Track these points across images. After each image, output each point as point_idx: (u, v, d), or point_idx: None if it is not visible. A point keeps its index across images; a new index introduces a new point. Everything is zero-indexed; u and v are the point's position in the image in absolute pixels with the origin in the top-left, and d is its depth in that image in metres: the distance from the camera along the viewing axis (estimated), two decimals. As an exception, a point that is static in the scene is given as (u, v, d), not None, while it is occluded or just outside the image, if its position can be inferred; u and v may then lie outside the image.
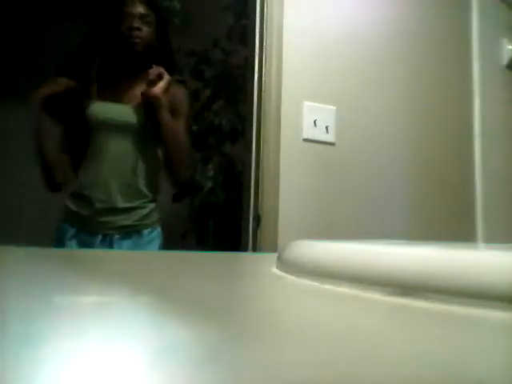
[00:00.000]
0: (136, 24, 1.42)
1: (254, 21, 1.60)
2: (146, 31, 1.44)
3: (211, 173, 2.51)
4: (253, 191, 1.53)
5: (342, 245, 0.33)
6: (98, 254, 0.60)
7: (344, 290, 0.26)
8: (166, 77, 1.42)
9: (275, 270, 0.37)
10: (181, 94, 1.53)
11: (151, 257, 0.59)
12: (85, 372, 0.11)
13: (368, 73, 1.71)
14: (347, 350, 0.14)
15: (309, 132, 1.58)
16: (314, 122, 1.59)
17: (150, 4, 1.48)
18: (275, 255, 0.41)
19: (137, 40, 1.43)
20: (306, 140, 1.58)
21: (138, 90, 1.44)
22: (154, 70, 1.40)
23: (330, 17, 1.67)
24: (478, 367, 0.13)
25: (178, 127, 1.44)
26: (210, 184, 2.50)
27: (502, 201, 1.86)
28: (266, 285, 0.33)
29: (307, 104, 1.59)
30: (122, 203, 1.42)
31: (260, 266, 0.49)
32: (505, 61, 1.96)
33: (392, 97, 1.75)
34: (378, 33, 1.74)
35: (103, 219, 1.42)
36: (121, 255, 0.63)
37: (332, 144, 1.62)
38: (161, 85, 1.40)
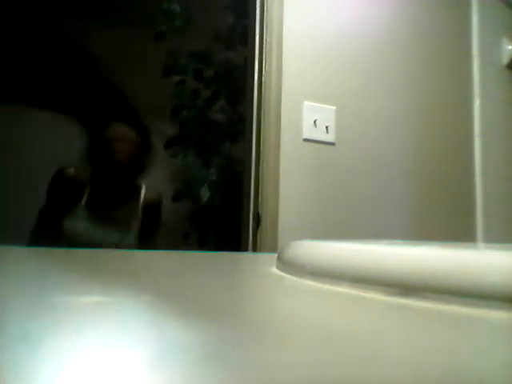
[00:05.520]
0: (118, 147, 1.48)
1: (254, 21, 1.60)
2: (128, 150, 1.50)
3: (211, 173, 2.51)
4: (253, 191, 1.53)
5: (342, 245, 0.33)
6: (98, 253, 0.60)
7: (344, 290, 0.26)
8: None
9: (275, 270, 0.37)
10: (156, 202, 1.63)
11: (152, 256, 0.59)
12: (85, 372, 0.11)
13: (368, 73, 1.71)
14: (347, 350, 0.14)
15: (309, 132, 1.58)
16: (314, 122, 1.59)
17: (129, 122, 1.53)
18: (275, 255, 0.41)
19: (121, 160, 1.49)
20: (305, 140, 1.58)
21: (123, 213, 1.52)
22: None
23: (330, 17, 1.67)
24: (478, 367, 0.13)
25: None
26: (209, 184, 2.50)
27: (502, 201, 1.86)
28: (265, 285, 0.33)
29: (307, 104, 1.59)
30: None
31: (260, 266, 0.49)
32: (505, 61, 1.96)
33: (392, 97, 1.75)
34: (378, 33, 1.74)
35: None
36: (121, 255, 0.63)
37: (332, 144, 1.62)
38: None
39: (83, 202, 1.47)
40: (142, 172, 1.58)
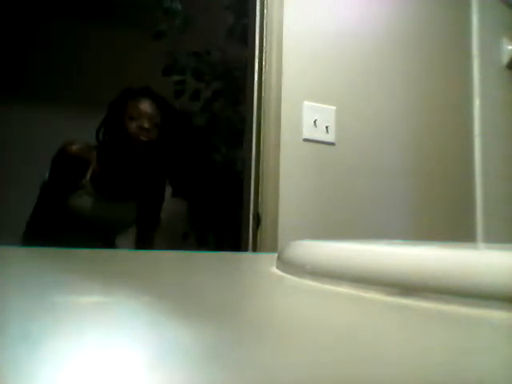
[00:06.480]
0: (146, 125, 1.41)
1: (254, 21, 1.60)
2: (153, 132, 1.43)
3: (211, 173, 2.51)
4: (253, 191, 1.53)
5: (342, 245, 0.33)
6: (98, 253, 0.60)
7: (344, 289, 0.26)
8: None
9: (275, 270, 0.37)
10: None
11: (152, 257, 0.59)
12: (85, 372, 0.11)
13: (368, 73, 1.71)
14: (347, 349, 0.14)
15: (309, 132, 1.58)
16: (314, 122, 1.59)
17: (160, 105, 1.47)
18: (275, 255, 0.41)
19: (143, 139, 1.41)
20: (305, 140, 1.58)
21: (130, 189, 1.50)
22: None
23: (330, 17, 1.67)
24: (478, 367, 0.13)
25: None
26: (209, 184, 2.50)
27: (502, 201, 1.86)
28: (265, 285, 0.33)
29: (307, 104, 1.59)
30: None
31: (260, 266, 0.49)
32: (505, 61, 1.96)
33: (392, 97, 1.75)
34: (377, 33, 1.74)
35: None
36: (121, 255, 0.63)
37: (332, 144, 1.62)
38: None
39: (88, 177, 1.43)
40: (158, 155, 1.50)
